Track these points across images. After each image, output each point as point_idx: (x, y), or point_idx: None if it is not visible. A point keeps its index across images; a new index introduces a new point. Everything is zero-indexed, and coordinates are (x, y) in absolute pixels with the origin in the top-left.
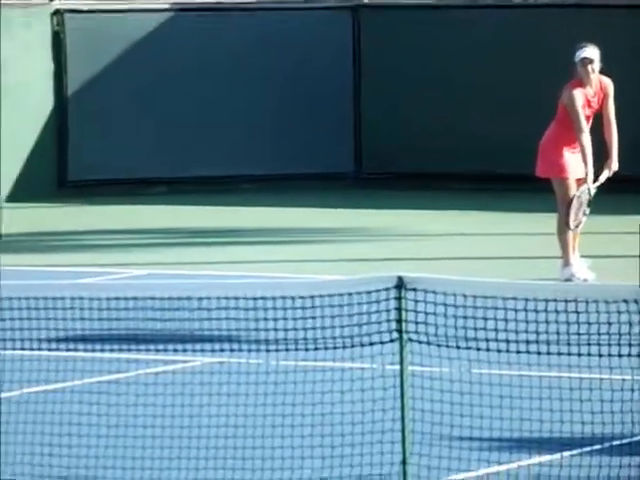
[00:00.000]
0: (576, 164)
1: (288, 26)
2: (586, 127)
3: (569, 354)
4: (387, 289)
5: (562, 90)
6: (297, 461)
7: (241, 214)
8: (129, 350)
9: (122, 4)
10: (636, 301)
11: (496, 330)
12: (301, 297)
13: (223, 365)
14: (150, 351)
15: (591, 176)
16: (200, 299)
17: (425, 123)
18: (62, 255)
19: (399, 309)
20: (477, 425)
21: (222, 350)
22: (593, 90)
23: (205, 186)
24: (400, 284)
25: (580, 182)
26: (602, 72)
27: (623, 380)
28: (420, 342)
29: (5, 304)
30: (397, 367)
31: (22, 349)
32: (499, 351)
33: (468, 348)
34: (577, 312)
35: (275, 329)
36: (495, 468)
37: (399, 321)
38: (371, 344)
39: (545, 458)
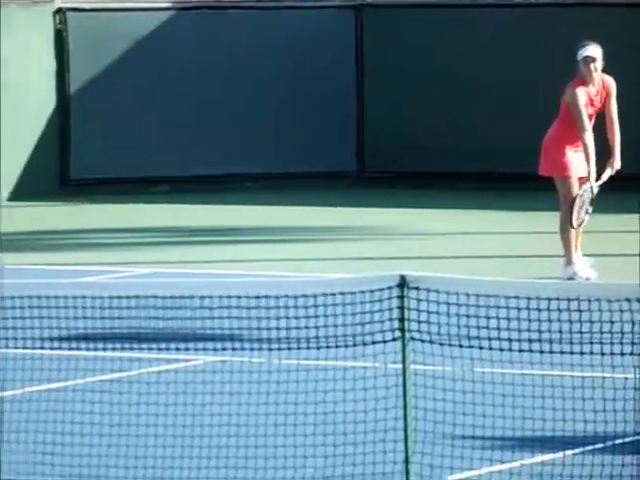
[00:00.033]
0: (579, 163)
1: (291, 25)
2: (589, 126)
3: (571, 353)
4: (389, 288)
5: (565, 89)
6: (299, 460)
7: (243, 213)
8: (131, 349)
9: (124, 3)
10: (638, 300)
11: (498, 329)
12: (303, 296)
13: (225, 364)
14: (152, 350)
15: (594, 175)
16: (202, 298)
17: (428, 122)
18: (64, 254)
19: (401, 308)
20: (480, 424)
21: (224, 349)
22: (595, 89)
23: (207, 185)
24: (403, 283)
25: (583, 181)
26: (604, 71)
27: (625, 379)
28: (422, 341)
29: (7, 303)
30: (399, 366)
31: (24, 348)
32: (501, 350)
33: (470, 347)
34: (579, 311)
35: (277, 328)
36: (498, 467)
37: (401, 320)
38: (373, 343)
39: (547, 457)
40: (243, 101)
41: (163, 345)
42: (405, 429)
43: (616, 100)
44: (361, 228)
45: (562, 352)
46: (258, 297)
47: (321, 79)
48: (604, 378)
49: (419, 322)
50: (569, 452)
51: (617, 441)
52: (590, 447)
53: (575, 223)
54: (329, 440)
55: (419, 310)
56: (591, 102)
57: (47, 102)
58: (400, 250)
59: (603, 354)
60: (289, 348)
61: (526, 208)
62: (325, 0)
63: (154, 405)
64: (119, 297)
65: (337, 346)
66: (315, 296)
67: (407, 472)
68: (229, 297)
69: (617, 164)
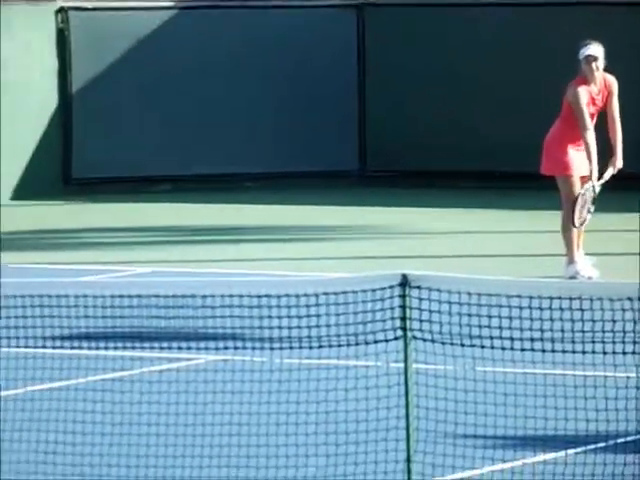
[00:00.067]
0: (581, 162)
1: (293, 24)
2: (591, 125)
3: (573, 352)
4: (391, 287)
5: (566, 88)
6: (301, 459)
7: (246, 212)
8: (133, 348)
9: (126, 2)
10: None
11: (500, 328)
12: (305, 295)
13: (227, 363)
14: (154, 349)
15: (596, 174)
16: (204, 297)
17: (430, 121)
18: (66, 253)
19: (403, 307)
20: (481, 423)
21: (226, 348)
22: (597, 88)
23: (209, 184)
24: (404, 282)
25: (585, 180)
26: (606, 69)
27: (627, 377)
28: (424, 340)
29: (9, 302)
30: (401, 365)
31: (26, 347)
32: (503, 349)
33: (472, 346)
34: (581, 310)
35: (279, 327)
36: (500, 466)
37: (403, 319)
38: (375, 342)
39: (550, 456)
40: (245, 100)
41: (165, 344)
42: (407, 428)
43: (618, 99)
44: (363, 227)
45: (564, 351)
46: (260, 296)
47: (323, 78)
48: (606, 377)
49: (421, 321)
50: (571, 451)
51: (619, 440)
52: (592, 446)
53: (577, 222)
54: (331, 439)
55: (421, 309)
56: (593, 101)
57: (49, 101)
58: (402, 249)
59: (605, 353)
60: (291, 347)
61: (528, 207)
62: None
63: (156, 404)
64: (121, 296)
65: (339, 345)
66: (317, 295)
67: (409, 471)
68: (231, 296)
69: (619, 163)
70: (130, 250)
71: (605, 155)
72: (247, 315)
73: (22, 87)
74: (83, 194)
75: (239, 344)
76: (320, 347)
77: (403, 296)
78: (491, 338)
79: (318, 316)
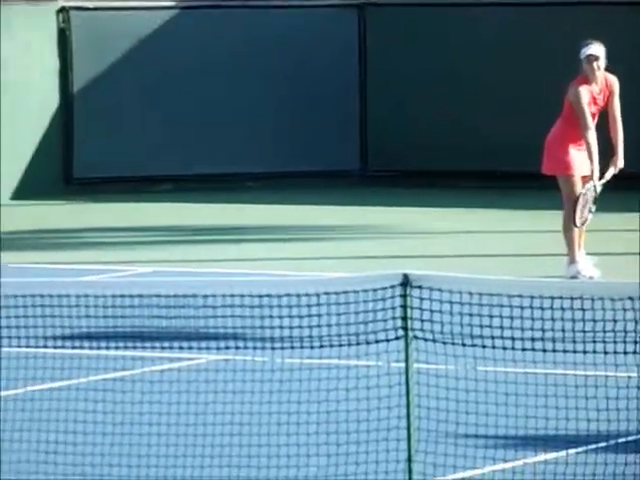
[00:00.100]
0: (582, 161)
1: (294, 24)
2: (592, 124)
3: (574, 351)
4: (393, 287)
5: (568, 87)
6: (302, 459)
7: (247, 212)
8: (134, 348)
9: (127, 2)
10: None
11: (501, 328)
12: (306, 295)
13: (228, 363)
14: (155, 349)
15: (597, 173)
16: (205, 296)
17: (431, 121)
18: (67, 252)
19: (404, 307)
20: (482, 423)
21: (227, 348)
22: (599, 87)
23: (210, 184)
24: (406, 282)
25: (586, 179)
26: (607, 69)
27: (629, 377)
28: (425, 340)
29: (10, 302)
30: (402, 365)
31: (27, 347)
32: (504, 349)
33: (473, 346)
34: (583, 309)
35: (280, 327)
36: (500, 465)
37: (404, 319)
38: (376, 342)
39: (551, 456)
40: (246, 100)
41: (166, 344)
42: (408, 428)
43: (619, 98)
44: (364, 227)
45: (565, 351)
46: (261, 296)
47: (324, 78)
48: (607, 377)
49: (422, 321)
50: (572, 451)
51: (620, 440)
52: (593, 446)
53: (578, 222)
54: (332, 439)
55: (422, 309)
56: (594, 101)
57: (50, 101)
58: (403, 249)
59: (606, 353)
60: (292, 347)
61: (529, 207)
62: None
63: (157, 404)
64: (122, 296)
65: (340, 345)
66: (318, 295)
67: (410, 471)
68: (232, 296)
69: (620, 163)
70: (131, 250)
71: (606, 155)
72: (248, 315)
73: (23, 87)
74: (84, 194)
75: (240, 344)
76: (321, 347)
77: (404, 296)
78: (492, 338)
79: (319, 316)
